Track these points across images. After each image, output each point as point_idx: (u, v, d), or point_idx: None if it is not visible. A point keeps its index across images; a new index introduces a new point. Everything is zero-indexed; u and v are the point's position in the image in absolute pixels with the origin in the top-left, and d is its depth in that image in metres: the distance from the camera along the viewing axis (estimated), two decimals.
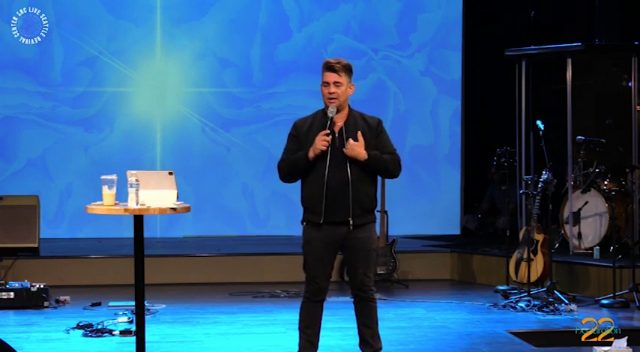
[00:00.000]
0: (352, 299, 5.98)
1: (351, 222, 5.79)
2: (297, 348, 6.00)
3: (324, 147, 5.72)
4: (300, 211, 5.93)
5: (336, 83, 5.78)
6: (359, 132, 5.75)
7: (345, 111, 5.85)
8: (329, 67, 5.79)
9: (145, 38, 11.74)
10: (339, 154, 5.77)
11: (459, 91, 12.12)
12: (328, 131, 5.73)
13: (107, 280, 9.74)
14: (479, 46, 11.93)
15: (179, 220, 11.64)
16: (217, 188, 11.83)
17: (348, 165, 5.76)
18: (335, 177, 5.76)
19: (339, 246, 5.87)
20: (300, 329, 5.98)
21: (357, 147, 5.73)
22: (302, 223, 5.92)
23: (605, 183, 9.87)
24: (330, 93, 5.78)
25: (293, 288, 9.40)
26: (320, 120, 5.83)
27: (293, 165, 5.84)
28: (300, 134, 5.86)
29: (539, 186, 8.99)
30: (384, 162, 5.83)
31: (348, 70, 5.81)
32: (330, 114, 5.77)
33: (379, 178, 5.99)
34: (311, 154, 5.74)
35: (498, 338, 7.37)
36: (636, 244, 9.34)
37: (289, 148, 5.90)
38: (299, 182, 5.93)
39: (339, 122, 5.83)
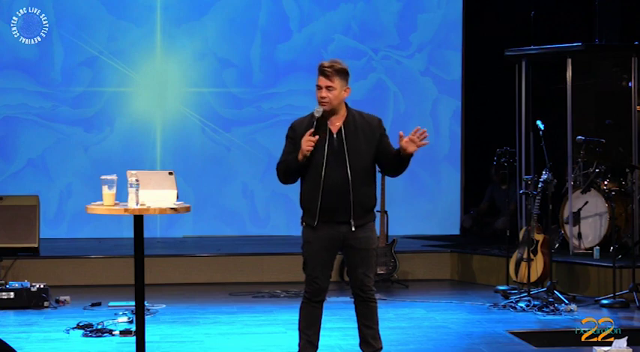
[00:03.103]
0: (352, 300, 5.98)
1: (352, 222, 5.78)
2: (297, 348, 5.99)
3: (310, 148, 5.69)
4: (300, 212, 5.93)
5: (328, 88, 5.76)
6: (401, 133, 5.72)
7: (343, 112, 5.83)
8: (321, 71, 5.77)
9: (145, 38, 11.74)
10: (338, 155, 5.75)
11: (459, 91, 12.12)
12: (312, 130, 5.71)
13: (107, 280, 9.74)
14: (479, 46, 11.93)
15: (179, 220, 11.65)
16: (217, 188, 11.83)
17: (348, 165, 5.75)
18: (332, 178, 5.74)
19: (339, 246, 5.86)
20: (300, 329, 5.97)
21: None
22: (301, 224, 5.91)
23: (605, 183, 9.87)
24: (321, 97, 5.77)
25: (293, 288, 9.40)
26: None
27: (287, 167, 5.84)
28: (297, 135, 5.83)
29: (539, 186, 8.99)
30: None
31: (341, 73, 5.77)
32: (316, 115, 5.76)
33: (379, 178, 5.99)
34: (300, 156, 5.73)
35: (498, 338, 7.37)
36: (636, 244, 9.34)
37: (287, 150, 5.88)
38: (298, 182, 5.93)
39: (338, 123, 5.81)
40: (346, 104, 5.86)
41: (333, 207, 5.75)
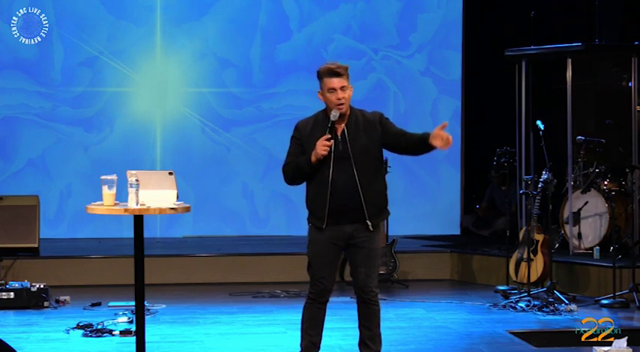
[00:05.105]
0: (352, 299, 5.96)
1: (369, 223, 5.75)
2: (297, 348, 5.98)
3: (325, 153, 5.66)
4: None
5: (342, 88, 5.73)
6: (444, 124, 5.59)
7: (347, 113, 5.81)
8: (333, 73, 5.72)
9: (145, 38, 11.74)
10: (344, 157, 5.71)
11: (459, 91, 12.12)
12: (329, 136, 5.70)
13: (107, 280, 9.73)
14: (479, 46, 11.93)
15: (179, 220, 11.65)
16: (217, 188, 11.83)
17: (354, 167, 5.71)
18: (340, 181, 5.71)
19: (343, 245, 5.82)
20: (302, 330, 5.93)
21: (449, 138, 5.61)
22: (308, 224, 5.90)
23: (605, 183, 9.86)
24: (338, 99, 5.70)
25: (293, 288, 9.39)
26: (322, 122, 5.77)
27: (297, 170, 5.80)
28: (303, 136, 5.80)
29: (539, 186, 8.99)
30: None
31: (348, 72, 5.77)
32: (332, 119, 5.72)
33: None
34: (313, 159, 5.70)
35: (498, 338, 7.37)
36: (636, 244, 9.34)
37: (293, 151, 5.85)
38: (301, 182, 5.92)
39: (342, 124, 5.78)
40: (350, 104, 5.85)
41: (341, 209, 5.72)
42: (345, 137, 5.75)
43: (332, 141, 5.68)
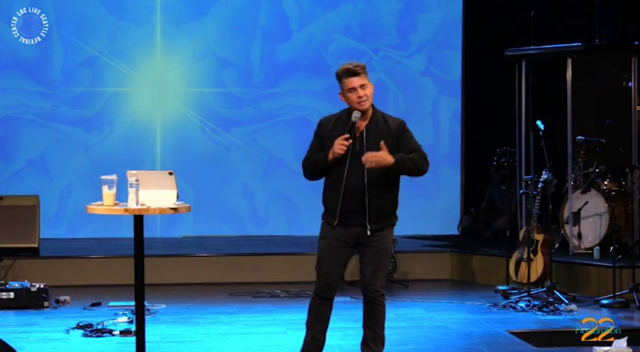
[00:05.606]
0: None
1: (368, 226, 5.76)
2: (298, 348, 5.98)
3: (342, 152, 5.68)
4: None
5: (362, 86, 5.75)
6: (382, 143, 5.65)
7: (369, 113, 5.80)
8: (351, 73, 5.76)
9: (145, 38, 11.74)
10: (359, 159, 5.71)
11: (459, 91, 12.12)
12: (347, 135, 5.70)
13: (107, 280, 9.74)
14: (479, 46, 11.93)
15: (179, 220, 11.65)
16: (217, 188, 11.83)
17: (365, 170, 5.72)
18: (353, 181, 5.73)
19: (353, 244, 5.83)
20: (307, 325, 5.96)
21: (376, 157, 5.63)
22: (321, 219, 5.91)
23: (605, 183, 9.86)
24: (360, 97, 5.73)
25: (293, 288, 9.37)
26: (344, 121, 5.79)
27: (315, 166, 5.83)
28: (324, 133, 5.83)
29: (539, 186, 8.99)
30: (412, 160, 5.79)
31: (365, 70, 5.82)
32: (353, 119, 5.73)
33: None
34: (330, 157, 5.72)
35: (498, 338, 7.37)
36: (636, 244, 9.34)
37: (313, 147, 5.88)
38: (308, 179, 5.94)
39: (363, 124, 5.78)
40: (372, 104, 5.84)
41: (351, 210, 5.75)
42: (362, 138, 5.76)
43: (350, 141, 5.69)
